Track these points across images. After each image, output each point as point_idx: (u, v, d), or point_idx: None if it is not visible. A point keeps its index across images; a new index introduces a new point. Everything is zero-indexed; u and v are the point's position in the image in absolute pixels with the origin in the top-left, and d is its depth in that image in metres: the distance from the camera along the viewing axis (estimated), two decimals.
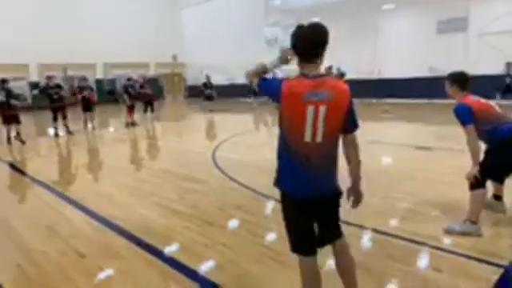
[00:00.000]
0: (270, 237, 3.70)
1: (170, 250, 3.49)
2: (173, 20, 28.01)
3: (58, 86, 11.50)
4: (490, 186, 3.74)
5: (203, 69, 25.27)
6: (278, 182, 2.23)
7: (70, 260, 3.38)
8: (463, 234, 3.46)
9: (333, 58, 18.99)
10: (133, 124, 13.20)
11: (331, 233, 2.29)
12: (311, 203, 2.14)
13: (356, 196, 2.29)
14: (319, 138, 2.02)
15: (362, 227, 3.69)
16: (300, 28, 2.06)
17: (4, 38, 20.08)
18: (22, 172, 6.97)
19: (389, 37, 19.67)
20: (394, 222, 3.85)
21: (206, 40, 25.83)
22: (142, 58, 25.87)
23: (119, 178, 6.29)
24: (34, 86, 22.25)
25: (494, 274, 2.80)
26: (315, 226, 2.25)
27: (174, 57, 27.21)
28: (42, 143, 10.96)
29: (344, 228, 3.37)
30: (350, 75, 16.16)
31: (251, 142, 9.50)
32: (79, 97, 12.44)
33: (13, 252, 3.60)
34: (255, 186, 5.29)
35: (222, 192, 5.23)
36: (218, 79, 25.24)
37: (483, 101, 3.53)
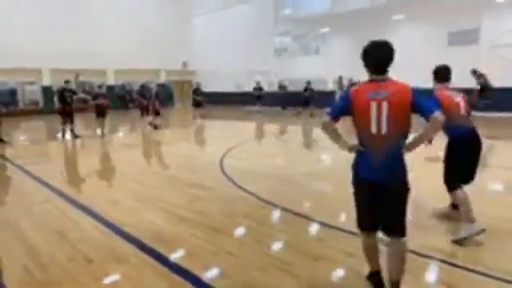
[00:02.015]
0: (277, 246, 3.69)
1: (177, 256, 3.49)
2: (184, 28, 28.32)
3: (73, 92, 12.12)
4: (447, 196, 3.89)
5: (211, 76, 25.53)
6: (355, 167, 2.65)
7: (77, 264, 3.39)
8: (471, 235, 3.51)
9: (343, 68, 19.17)
10: (155, 127, 13.68)
11: (390, 225, 2.58)
12: (381, 186, 2.48)
13: (407, 146, 2.53)
14: (384, 131, 2.41)
15: None
16: (370, 47, 2.50)
17: (18, 43, 20.46)
18: (32, 175, 7.05)
19: (399, 48, 19.49)
20: None
21: (216, 48, 26.06)
22: (152, 64, 26.15)
23: (127, 184, 6.33)
24: (46, 90, 22.62)
25: None
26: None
27: (184, 64, 27.47)
28: (53, 147, 11.09)
29: (351, 239, 3.34)
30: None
31: (259, 150, 9.52)
32: (92, 103, 12.66)
33: (21, 255, 3.63)
34: (262, 193, 5.29)
35: (229, 199, 5.23)
36: (227, 86, 25.47)
37: (455, 99, 3.73)
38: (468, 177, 3.83)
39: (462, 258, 3.27)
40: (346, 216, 4.47)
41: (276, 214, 4.65)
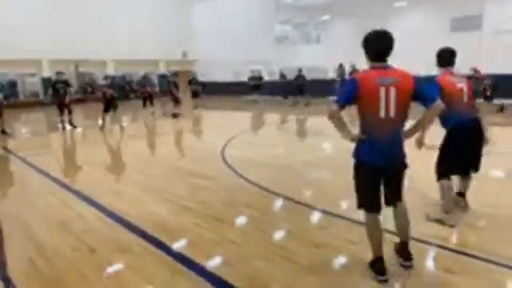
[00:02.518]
0: (279, 234, 3.71)
1: (180, 246, 3.52)
2: (184, 17, 28.06)
3: (65, 83, 11.95)
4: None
5: (212, 66, 25.31)
6: (357, 153, 2.77)
7: (81, 255, 3.42)
8: (439, 221, 3.71)
9: (344, 56, 19.03)
10: (175, 116, 14.07)
11: (394, 196, 2.85)
12: (383, 170, 2.69)
13: (406, 133, 2.73)
14: (392, 114, 2.55)
15: None
16: (371, 35, 2.62)
17: (17, 34, 20.31)
18: (34, 167, 7.07)
19: (401, 35, 19.38)
20: None
21: (216, 37, 25.84)
22: (152, 55, 25.99)
23: (130, 174, 6.36)
24: (46, 81, 22.53)
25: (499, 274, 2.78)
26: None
27: (184, 54, 27.29)
28: (55, 139, 11.10)
29: (353, 227, 3.38)
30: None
31: (259, 139, 9.52)
32: (99, 94, 12.74)
33: (26, 247, 3.66)
34: (264, 183, 5.30)
35: (231, 189, 5.25)
36: (227, 76, 25.33)
37: (458, 85, 3.65)
38: (466, 167, 3.82)
39: (461, 245, 3.28)
40: (347, 204, 4.48)
41: (278, 203, 4.66)
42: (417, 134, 3.26)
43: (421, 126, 2.77)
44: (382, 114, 2.55)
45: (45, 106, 19.67)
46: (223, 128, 11.97)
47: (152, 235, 3.75)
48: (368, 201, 2.79)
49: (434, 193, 4.25)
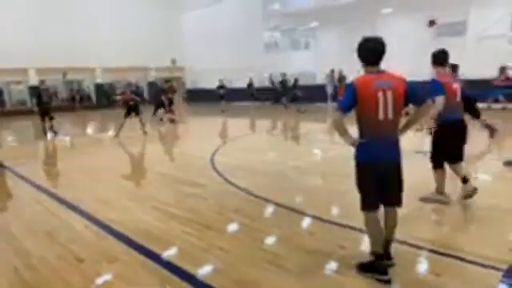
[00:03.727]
0: (269, 240, 3.70)
1: (169, 254, 3.48)
2: (172, 24, 28.08)
3: (47, 91, 12.57)
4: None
5: (201, 73, 25.26)
6: (358, 154, 2.88)
7: (68, 264, 3.37)
8: (436, 201, 4.32)
9: (333, 62, 19.15)
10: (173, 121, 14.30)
11: (391, 198, 2.93)
12: (385, 168, 2.83)
13: (400, 130, 2.90)
14: (390, 116, 2.71)
15: (360, 231, 3.68)
16: (366, 41, 2.77)
17: (3, 42, 20.09)
18: (21, 176, 6.96)
19: (387, 41, 19.65)
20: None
21: (205, 44, 25.88)
22: (141, 62, 25.90)
23: (118, 182, 6.29)
24: (33, 89, 22.27)
25: (492, 278, 2.81)
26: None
27: (173, 61, 27.24)
28: (42, 147, 10.95)
29: (342, 232, 3.40)
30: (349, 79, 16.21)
31: (249, 146, 9.51)
32: (118, 99, 12.73)
33: (11, 257, 3.59)
34: (253, 189, 5.30)
35: (220, 196, 5.23)
36: (216, 83, 25.33)
37: (453, 86, 4.11)
38: (455, 157, 4.30)
39: (449, 247, 3.32)
40: (337, 209, 4.51)
41: (267, 209, 4.66)
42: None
43: (412, 124, 2.99)
44: (381, 116, 2.70)
45: (33, 114, 19.41)
46: (213, 135, 11.95)
47: (140, 243, 3.71)
48: (369, 199, 2.89)
49: (418, 193, 4.32)
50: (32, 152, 10.26)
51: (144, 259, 3.40)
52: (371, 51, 2.75)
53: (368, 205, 2.91)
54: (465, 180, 4.34)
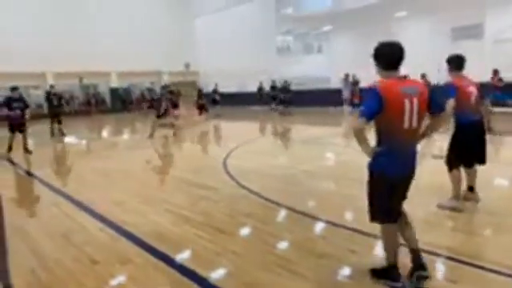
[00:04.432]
0: (281, 245, 3.69)
1: (181, 257, 3.51)
2: (186, 29, 28.36)
3: (57, 95, 13.13)
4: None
5: (214, 77, 25.40)
6: (375, 164, 2.73)
7: (82, 266, 3.43)
8: (452, 209, 4.20)
9: (346, 66, 19.11)
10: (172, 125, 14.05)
11: (401, 203, 2.85)
12: (402, 180, 2.73)
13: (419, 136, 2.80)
14: (415, 124, 2.59)
15: (372, 236, 3.65)
16: (384, 46, 2.66)
17: (21, 47, 20.64)
18: (38, 179, 7.11)
19: (403, 44, 19.49)
20: None
21: (218, 48, 26.06)
22: (155, 66, 26.22)
23: (132, 185, 6.37)
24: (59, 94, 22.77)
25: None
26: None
27: (187, 65, 27.51)
28: (59, 151, 11.17)
29: (354, 237, 3.37)
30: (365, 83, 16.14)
31: (261, 149, 9.53)
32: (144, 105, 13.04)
33: (28, 258, 3.67)
34: (266, 193, 5.30)
35: (232, 199, 5.25)
36: (229, 87, 25.46)
37: (468, 88, 4.10)
38: (470, 161, 4.27)
39: (467, 254, 3.26)
40: (349, 213, 4.48)
41: (279, 213, 4.66)
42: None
43: (430, 132, 2.91)
44: (406, 124, 2.56)
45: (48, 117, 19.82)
46: (225, 138, 11.99)
47: (153, 246, 3.75)
48: (392, 210, 2.76)
49: (434, 198, 4.26)
50: (49, 155, 10.47)
51: (157, 262, 3.43)
52: (389, 56, 2.64)
53: (387, 217, 2.78)
54: (471, 188, 4.36)
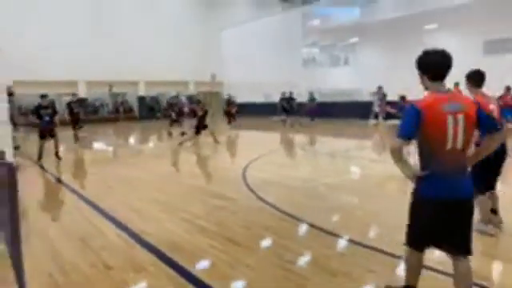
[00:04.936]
0: (295, 260, 3.61)
1: (194, 267, 3.49)
2: (213, 41, 28.81)
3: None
4: None
5: (240, 87, 25.65)
6: (419, 189, 2.47)
7: (98, 272, 3.46)
8: (480, 232, 3.88)
9: (373, 77, 18.78)
10: (182, 133, 14.37)
11: (457, 243, 2.45)
12: (446, 206, 2.37)
13: (469, 159, 2.51)
14: (459, 145, 2.31)
15: (394, 256, 3.51)
16: (430, 54, 2.41)
17: (57, 57, 21.62)
18: (64, 184, 7.33)
19: None
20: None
21: (244, 59, 26.33)
22: (181, 76, 26.76)
23: (152, 193, 6.44)
24: (81, 101, 23.65)
25: None
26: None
27: (213, 76, 27.91)
28: (87, 156, 11.49)
29: (373, 255, 3.22)
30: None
31: (282, 161, 9.47)
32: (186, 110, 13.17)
33: (47, 261, 3.75)
34: (284, 206, 5.23)
35: (249, 211, 5.21)
36: (254, 97, 25.63)
37: (490, 106, 3.80)
38: (495, 182, 4.10)
39: (493, 279, 3.08)
40: (368, 231, 4.34)
41: (296, 227, 4.57)
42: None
43: (482, 154, 2.58)
44: (449, 145, 2.30)
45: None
46: (247, 148, 12.01)
47: (167, 255, 3.76)
48: (423, 238, 2.51)
49: None
50: (76, 161, 10.79)
51: (169, 270, 3.43)
52: (436, 65, 2.38)
53: (416, 243, 2.55)
54: (493, 211, 4.15)
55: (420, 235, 2.52)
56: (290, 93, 19.71)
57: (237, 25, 27.43)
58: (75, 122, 13.46)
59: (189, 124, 15.11)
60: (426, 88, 2.46)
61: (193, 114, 12.34)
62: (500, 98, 12.45)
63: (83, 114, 14.63)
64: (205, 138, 12.73)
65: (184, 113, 15.64)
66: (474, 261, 3.51)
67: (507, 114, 12.43)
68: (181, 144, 11.93)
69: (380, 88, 18.19)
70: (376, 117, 18.10)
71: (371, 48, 23.47)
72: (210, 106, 23.61)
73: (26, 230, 4.61)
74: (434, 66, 2.39)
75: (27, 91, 18.40)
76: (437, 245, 2.51)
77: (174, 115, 15.12)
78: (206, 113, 12.23)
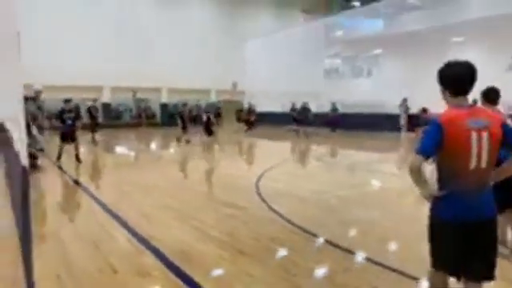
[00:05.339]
0: (301, 274, 3.54)
1: (200, 276, 3.47)
2: (237, 50, 29.07)
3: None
4: None
5: (261, 97, 25.74)
6: (436, 209, 2.30)
7: (104, 276, 3.50)
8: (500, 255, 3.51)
9: (396, 89, 18.47)
10: (187, 141, 14.82)
11: (480, 268, 2.24)
12: (467, 228, 2.19)
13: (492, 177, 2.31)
14: (484, 164, 2.14)
15: (403, 274, 3.40)
16: (452, 66, 2.25)
17: (83, 63, 22.42)
18: (82, 187, 7.49)
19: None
20: None
21: (265, 69, 26.47)
22: (203, 84, 27.11)
23: (165, 199, 6.49)
24: (105, 106, 24.35)
25: None
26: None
27: (234, 84, 28.15)
28: (104, 160, 11.72)
29: (384, 273, 3.11)
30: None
31: (299, 172, 9.39)
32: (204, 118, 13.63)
33: (57, 263, 3.81)
34: (295, 218, 5.15)
35: (260, 221, 5.17)
36: (276, 107, 25.67)
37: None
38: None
39: None
40: (378, 246, 4.23)
41: (306, 241, 4.49)
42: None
43: (505, 174, 2.38)
44: (473, 164, 2.13)
45: (101, 127, 21.06)
46: (263, 157, 11.97)
47: (174, 262, 3.76)
48: (449, 262, 2.29)
49: None
50: (96, 165, 11.04)
51: (174, 278, 3.43)
52: (459, 79, 2.21)
53: (442, 268, 2.34)
54: None
55: (441, 258, 2.32)
56: (304, 103, 19.83)
57: (260, 35, 27.64)
58: (93, 126, 14.72)
59: (194, 131, 15.41)
60: (448, 103, 2.30)
61: (196, 120, 12.64)
62: None
63: (103, 119, 15.48)
64: (220, 145, 12.79)
65: (185, 120, 15.92)
66: (489, 285, 3.36)
67: None
68: (184, 142, 11.85)
69: (405, 100, 17.87)
70: (401, 129, 17.82)
71: (394, 60, 23.18)
72: (227, 113, 23.95)
73: (39, 231, 4.76)
74: (456, 79, 2.22)
75: (53, 95, 19.05)
76: (457, 270, 2.29)
77: (180, 123, 15.52)
78: (209, 118, 12.48)
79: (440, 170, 2.26)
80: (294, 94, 23.62)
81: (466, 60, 2.24)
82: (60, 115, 10.05)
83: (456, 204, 2.19)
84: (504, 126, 2.20)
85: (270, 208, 5.74)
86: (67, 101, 10.18)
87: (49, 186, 7.81)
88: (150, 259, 3.87)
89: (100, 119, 23.66)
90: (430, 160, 2.27)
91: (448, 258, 2.27)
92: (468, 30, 18.25)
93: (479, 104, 3.78)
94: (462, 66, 2.22)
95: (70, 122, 9.97)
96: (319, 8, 31.93)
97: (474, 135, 2.11)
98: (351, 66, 26.94)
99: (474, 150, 2.11)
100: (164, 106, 27.49)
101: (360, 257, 3.91)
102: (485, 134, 2.12)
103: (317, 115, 21.38)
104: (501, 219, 3.80)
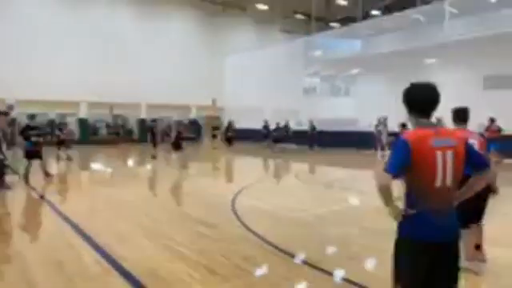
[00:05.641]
0: None
1: None
2: (216, 66, 29.15)
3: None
4: None
5: (240, 113, 25.82)
6: (404, 227, 2.28)
7: None
8: (463, 270, 3.40)
9: (373, 108, 18.78)
10: (153, 157, 15.15)
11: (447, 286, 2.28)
12: (438, 249, 2.19)
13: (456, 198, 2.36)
14: (449, 183, 2.18)
15: None
16: (417, 88, 2.30)
17: (58, 78, 22.08)
18: (50, 204, 7.22)
19: None
20: None
21: (244, 85, 26.62)
22: (183, 100, 26.98)
23: (138, 218, 6.33)
24: (82, 122, 23.91)
25: None
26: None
27: (214, 101, 28.14)
28: (76, 177, 11.41)
29: None
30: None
31: (275, 189, 9.36)
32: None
33: (19, 286, 3.64)
34: (269, 237, 5.10)
35: (233, 240, 5.09)
36: (254, 123, 25.79)
37: (470, 141, 3.62)
38: (480, 216, 4.00)
39: None
40: (353, 266, 4.21)
41: (279, 259, 4.44)
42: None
43: (471, 192, 2.42)
44: (439, 182, 2.16)
45: (79, 144, 20.58)
46: (240, 175, 11.89)
47: (142, 283, 3.64)
48: (413, 285, 2.25)
49: None
50: (66, 181, 10.71)
51: None
52: (423, 100, 2.27)
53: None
54: (478, 246, 4.02)
55: (407, 281, 2.26)
56: (286, 121, 20.77)
57: (241, 51, 27.91)
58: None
59: (162, 147, 15.41)
60: (412, 123, 2.32)
61: (165, 136, 12.81)
62: (486, 129, 12.37)
63: (80, 135, 15.19)
64: (198, 161, 12.66)
65: (156, 136, 16.39)
66: None
67: (492, 145, 12.30)
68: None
69: (385, 119, 18.06)
70: (382, 148, 17.73)
71: (372, 80, 23.78)
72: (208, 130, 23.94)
73: (2, 252, 4.54)
74: (421, 100, 2.27)
75: (28, 111, 18.60)
76: None
77: (149, 138, 15.99)
78: (179, 133, 12.63)
79: (408, 189, 2.26)
80: (274, 110, 23.83)
81: (430, 82, 2.29)
82: (23, 131, 9.38)
83: (424, 224, 2.18)
84: (467, 145, 2.26)
85: (245, 226, 5.68)
86: (32, 116, 9.67)
87: (16, 203, 7.53)
88: (117, 280, 3.74)
89: (76, 135, 23.36)
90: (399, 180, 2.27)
91: (416, 279, 2.21)
92: (441, 52, 18.97)
93: (447, 123, 3.95)
94: (426, 88, 2.27)
95: (34, 139, 9.39)
96: (299, 28, 32.61)
97: (439, 154, 2.14)
98: (330, 85, 27.47)
99: (440, 169, 2.15)
100: (142, 122, 27.14)
101: (333, 276, 3.88)
102: (449, 153, 2.16)
103: (295, 132, 21.58)
104: (467, 234, 3.87)
